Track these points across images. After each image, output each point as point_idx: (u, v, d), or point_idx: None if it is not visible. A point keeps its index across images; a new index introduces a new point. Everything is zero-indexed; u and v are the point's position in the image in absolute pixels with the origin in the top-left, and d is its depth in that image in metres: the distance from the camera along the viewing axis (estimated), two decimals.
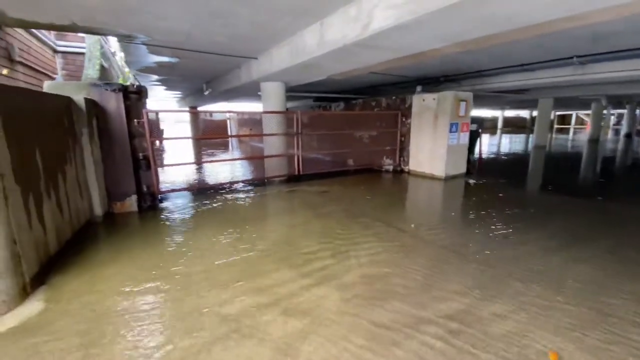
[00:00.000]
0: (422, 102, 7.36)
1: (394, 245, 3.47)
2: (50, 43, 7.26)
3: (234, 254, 3.26)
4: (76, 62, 7.92)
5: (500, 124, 33.20)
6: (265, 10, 3.72)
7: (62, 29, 4.40)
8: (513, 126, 34.78)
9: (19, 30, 5.55)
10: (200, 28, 4.40)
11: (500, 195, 5.73)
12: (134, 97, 4.74)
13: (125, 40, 5.02)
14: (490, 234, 3.77)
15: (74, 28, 4.33)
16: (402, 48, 3.72)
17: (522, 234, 3.77)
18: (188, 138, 7.18)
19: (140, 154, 4.89)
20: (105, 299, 2.52)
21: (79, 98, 4.06)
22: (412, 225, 4.03)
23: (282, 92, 6.93)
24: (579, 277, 2.77)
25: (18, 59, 5.32)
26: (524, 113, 34.72)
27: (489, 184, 6.71)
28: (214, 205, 5.18)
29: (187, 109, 16.61)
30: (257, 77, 6.34)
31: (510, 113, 34.18)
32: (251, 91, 7.70)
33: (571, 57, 6.21)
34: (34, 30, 6.18)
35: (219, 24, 4.24)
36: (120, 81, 10.24)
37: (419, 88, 9.35)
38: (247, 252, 3.32)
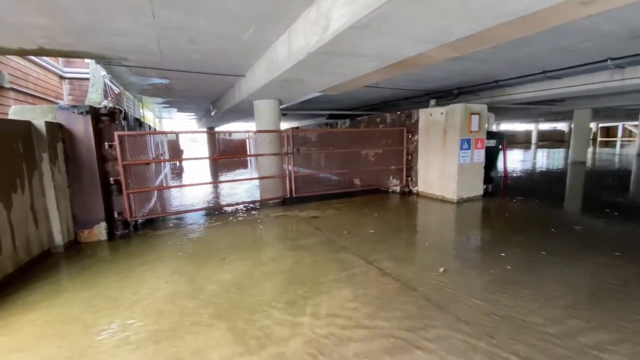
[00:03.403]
0: (429, 117, 6.64)
1: (367, 293, 2.79)
2: (56, 70, 7.47)
3: (170, 304, 2.73)
4: (82, 87, 8.11)
5: (534, 138, 30.91)
6: (224, 20, 3.34)
7: (33, 53, 4.31)
8: (549, 140, 32.26)
9: (13, 58, 5.66)
10: (168, 45, 4.12)
11: (518, 223, 4.82)
12: (106, 119, 4.52)
13: (104, 62, 4.88)
14: (492, 279, 2.97)
15: (44, 52, 4.22)
16: (377, 54, 3.14)
17: (542, 284, 2.93)
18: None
19: (112, 179, 4.61)
20: None
21: (40, 122, 3.86)
22: (441, 270, 3.16)
23: (275, 109, 6.53)
24: None
25: (8, 85, 5.37)
26: (562, 126, 32.16)
27: (510, 208, 5.75)
28: (188, 234, 4.75)
29: (196, 129, 16.89)
30: (247, 95, 6.00)
31: (546, 126, 31.81)
32: (249, 110, 7.40)
33: (604, 60, 5.30)
34: (34, 57, 6.34)
35: (185, 40, 3.93)
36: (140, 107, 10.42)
37: (432, 102, 8.59)
38: (185, 300, 2.78)
